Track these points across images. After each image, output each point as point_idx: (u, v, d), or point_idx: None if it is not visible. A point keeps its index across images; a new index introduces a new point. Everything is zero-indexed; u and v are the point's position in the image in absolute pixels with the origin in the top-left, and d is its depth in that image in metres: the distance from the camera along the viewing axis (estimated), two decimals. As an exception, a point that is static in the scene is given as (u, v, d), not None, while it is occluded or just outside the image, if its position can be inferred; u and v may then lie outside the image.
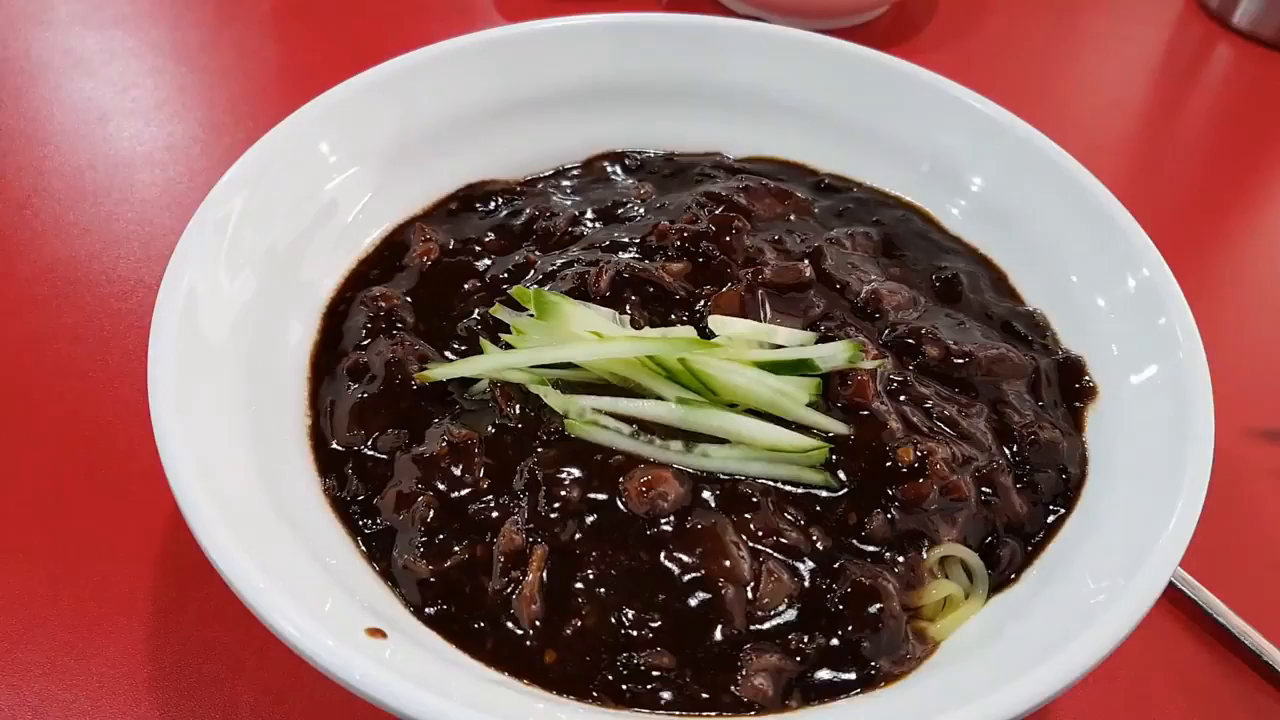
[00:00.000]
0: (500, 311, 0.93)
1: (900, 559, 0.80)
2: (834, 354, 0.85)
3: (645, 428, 0.83)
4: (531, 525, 0.79)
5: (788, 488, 0.82)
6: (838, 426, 0.84)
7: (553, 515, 0.79)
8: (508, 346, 0.89)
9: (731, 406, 0.83)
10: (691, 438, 0.83)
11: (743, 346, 0.86)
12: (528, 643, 0.75)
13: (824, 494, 0.82)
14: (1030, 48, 1.68)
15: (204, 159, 1.36)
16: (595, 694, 0.73)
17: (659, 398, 0.84)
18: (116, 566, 0.94)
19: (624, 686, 0.73)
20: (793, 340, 0.89)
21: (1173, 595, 0.95)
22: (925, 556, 0.80)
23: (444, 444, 0.84)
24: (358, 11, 1.63)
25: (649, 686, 0.73)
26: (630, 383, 0.86)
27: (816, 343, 0.89)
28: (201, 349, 0.82)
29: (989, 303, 1.00)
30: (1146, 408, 0.85)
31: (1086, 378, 0.93)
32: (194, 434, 0.75)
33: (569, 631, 0.75)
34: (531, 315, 0.88)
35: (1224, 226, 1.40)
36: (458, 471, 0.83)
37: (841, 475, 0.83)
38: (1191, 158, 1.49)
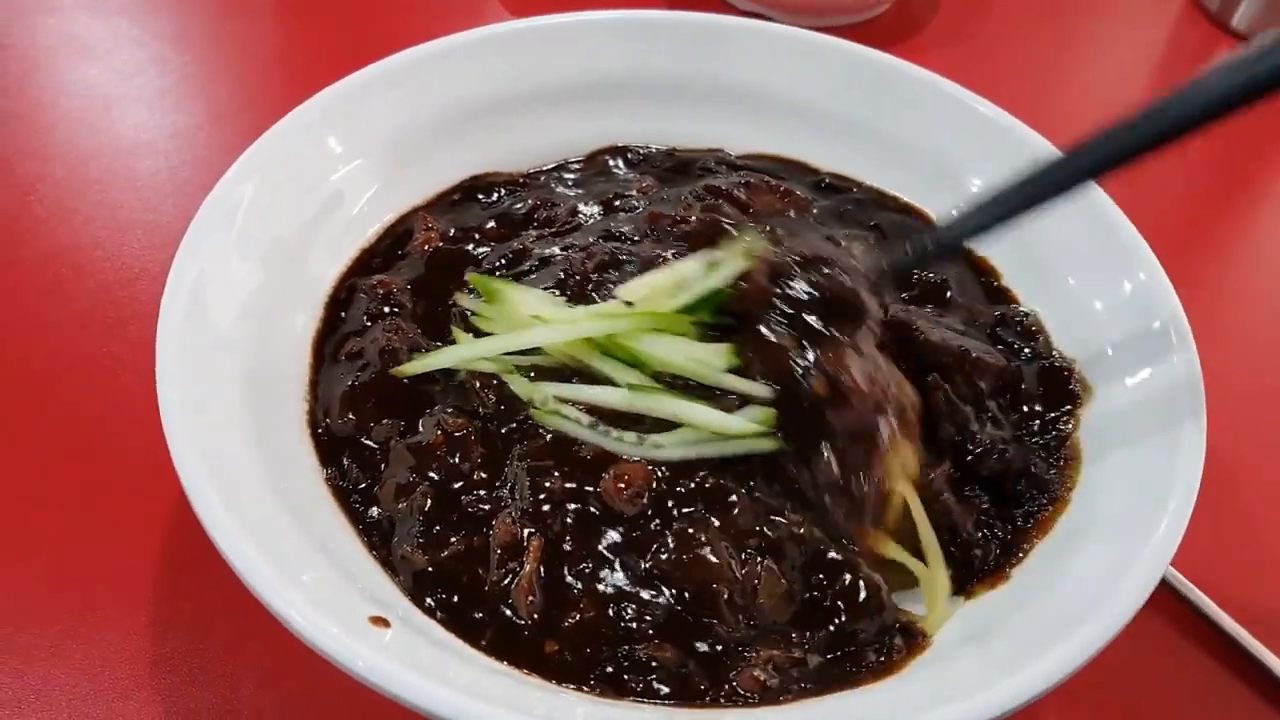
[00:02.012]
0: (464, 300, 0.93)
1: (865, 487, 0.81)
2: (731, 261, 0.84)
3: (602, 416, 0.82)
4: (525, 519, 0.80)
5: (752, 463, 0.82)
6: (759, 390, 0.82)
7: (544, 510, 0.80)
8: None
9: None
10: (649, 424, 0.82)
11: (661, 300, 0.85)
12: (526, 633, 0.76)
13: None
14: (1031, 47, 1.69)
15: (207, 147, 1.36)
16: (595, 684, 0.74)
17: (613, 383, 0.84)
18: (119, 552, 0.95)
19: (624, 677, 0.74)
20: (696, 271, 0.87)
21: (1166, 596, 0.96)
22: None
23: (438, 433, 0.85)
24: (362, 2, 1.63)
25: (648, 677, 0.74)
26: (586, 367, 0.85)
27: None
28: (208, 337, 0.83)
29: (979, 311, 1.01)
30: (1141, 412, 0.86)
31: (1071, 386, 0.93)
32: (200, 422, 0.76)
33: (568, 623, 0.76)
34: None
35: (1221, 229, 1.41)
36: (453, 460, 0.83)
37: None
38: (1189, 160, 1.49)
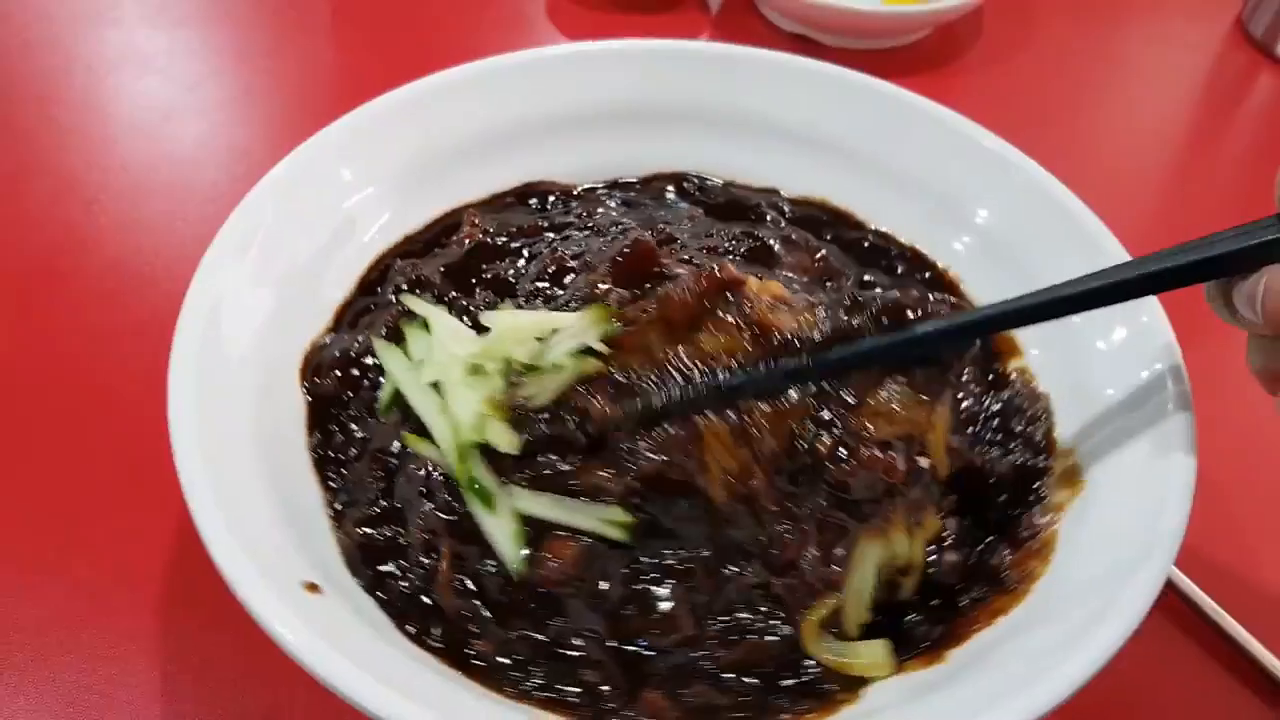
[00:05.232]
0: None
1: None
2: (579, 326, 0.83)
3: None
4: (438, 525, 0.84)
5: None
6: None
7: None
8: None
9: None
10: None
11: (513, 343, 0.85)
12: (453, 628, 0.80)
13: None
14: (1074, 71, 1.66)
15: (266, 160, 1.35)
16: (521, 691, 0.77)
17: None
18: (142, 564, 0.98)
19: (546, 687, 0.78)
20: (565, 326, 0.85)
21: (1173, 601, 0.97)
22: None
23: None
24: (413, 21, 1.65)
25: (566, 688, 0.78)
26: None
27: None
28: (222, 364, 0.86)
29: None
30: (1132, 449, 0.86)
31: (1039, 485, 0.91)
32: (211, 451, 0.79)
33: (495, 628, 0.80)
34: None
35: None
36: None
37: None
38: (1229, 191, 1.48)
